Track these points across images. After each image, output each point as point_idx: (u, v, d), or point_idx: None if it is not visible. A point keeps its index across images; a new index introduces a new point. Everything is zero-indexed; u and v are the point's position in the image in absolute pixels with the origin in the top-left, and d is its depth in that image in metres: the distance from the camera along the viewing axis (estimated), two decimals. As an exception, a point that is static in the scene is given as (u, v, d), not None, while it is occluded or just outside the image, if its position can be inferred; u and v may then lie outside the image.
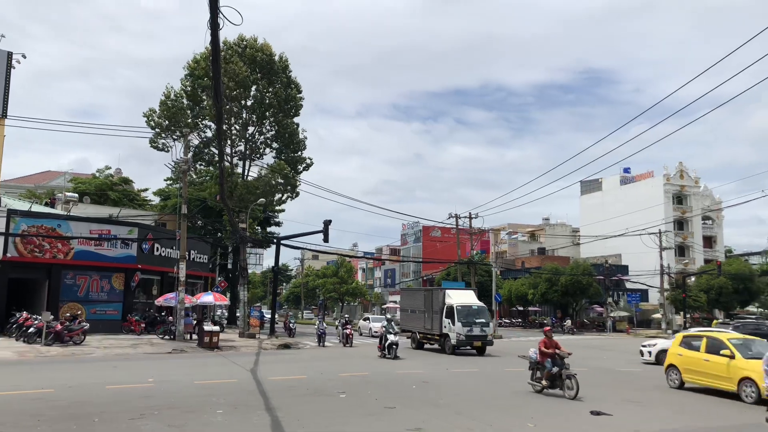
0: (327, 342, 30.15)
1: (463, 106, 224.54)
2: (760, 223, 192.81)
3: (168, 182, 50.06)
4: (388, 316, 33.15)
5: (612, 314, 56.94)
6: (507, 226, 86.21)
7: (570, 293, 55.96)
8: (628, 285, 61.20)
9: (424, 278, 79.55)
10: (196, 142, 42.58)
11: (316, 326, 32.39)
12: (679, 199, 73.08)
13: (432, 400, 12.50)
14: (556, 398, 13.22)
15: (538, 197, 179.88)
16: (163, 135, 41.05)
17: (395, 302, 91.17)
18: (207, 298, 32.48)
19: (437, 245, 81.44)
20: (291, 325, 36.89)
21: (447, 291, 26.77)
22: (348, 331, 29.80)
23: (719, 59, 14.50)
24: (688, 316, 55.10)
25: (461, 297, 26.51)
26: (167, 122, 40.78)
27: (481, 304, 26.74)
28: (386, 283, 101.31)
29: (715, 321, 60.73)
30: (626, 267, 63.07)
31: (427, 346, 28.08)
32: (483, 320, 25.46)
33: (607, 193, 79.03)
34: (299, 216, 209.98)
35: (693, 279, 59.43)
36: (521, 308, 67.14)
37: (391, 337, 22.89)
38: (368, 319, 41.80)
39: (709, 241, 75.07)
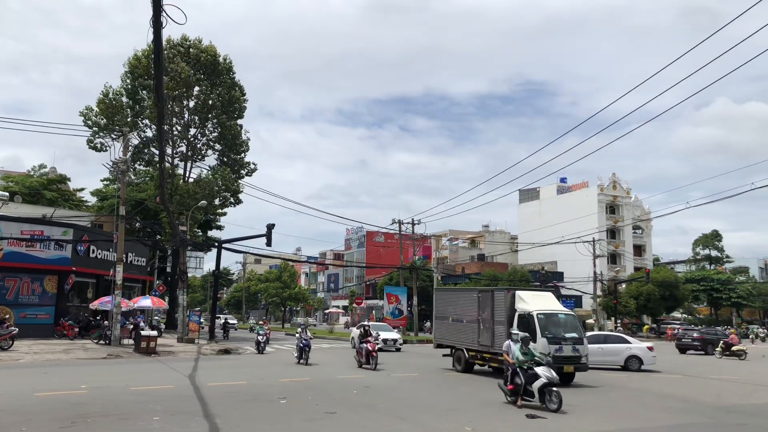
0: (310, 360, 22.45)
1: (407, 113, 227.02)
2: (683, 233, 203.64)
3: (105, 182, 48.64)
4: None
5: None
6: (448, 233, 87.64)
7: (508, 299, 57.36)
8: (563, 291, 63.27)
9: (367, 283, 79.88)
10: (135, 141, 41.58)
11: (297, 336, 23.59)
12: (612, 208, 76.20)
13: (373, 405, 12.63)
14: (497, 402, 13.57)
15: (479, 205, 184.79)
16: (101, 134, 39.91)
17: (337, 307, 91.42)
18: (145, 302, 31.76)
19: (381, 250, 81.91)
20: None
21: (518, 293, 19.00)
22: (370, 346, 21.19)
23: (647, 78, 15.40)
24: (618, 321, 57.48)
25: (540, 301, 18.85)
26: (105, 121, 39.69)
27: (569, 311, 19.56)
28: (329, 287, 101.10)
29: (646, 326, 63.67)
30: (562, 274, 65.18)
31: (478, 366, 20.40)
32: (575, 335, 17.83)
33: (544, 201, 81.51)
34: (242, 219, 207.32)
35: (623, 286, 62.05)
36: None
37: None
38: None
39: (638, 250, 78.57)
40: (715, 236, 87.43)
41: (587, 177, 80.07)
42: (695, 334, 36.91)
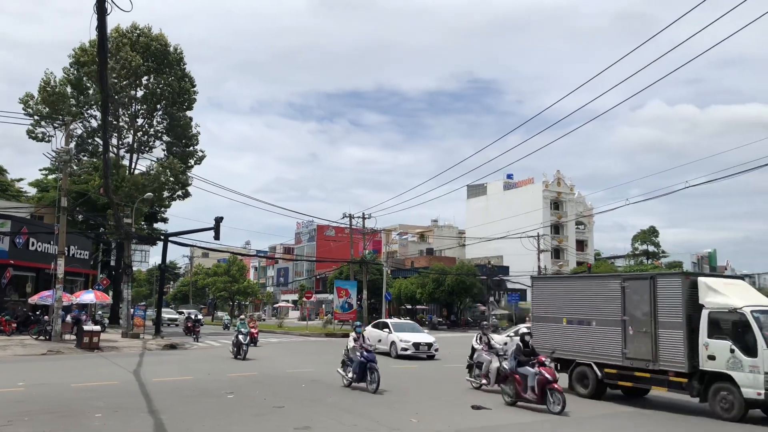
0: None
1: (358, 108, 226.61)
2: (622, 229, 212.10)
3: (45, 173, 46.99)
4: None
5: (493, 313, 60.05)
6: (398, 227, 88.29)
7: (455, 292, 58.37)
8: (509, 285, 64.76)
9: (318, 277, 79.74)
10: (80, 131, 40.34)
11: (236, 331, 22.59)
12: (556, 204, 78.35)
13: (321, 399, 12.76)
14: (448, 395, 13.90)
15: (428, 200, 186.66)
16: (42, 123, 38.52)
17: (287, 301, 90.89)
18: (87, 296, 30.97)
19: (331, 244, 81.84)
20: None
21: (704, 281, 12.57)
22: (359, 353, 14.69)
23: (587, 80, 16.03)
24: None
25: (741, 292, 12.57)
26: (48, 109, 38.32)
27: None
28: (279, 281, 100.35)
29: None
30: (507, 268, 66.65)
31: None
32: None
33: (491, 197, 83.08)
34: (189, 212, 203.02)
35: (567, 280, 63.80)
36: (410, 306, 69.07)
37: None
38: (386, 326, 25.15)
39: (581, 245, 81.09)
40: (652, 232, 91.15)
41: (533, 174, 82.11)
42: None
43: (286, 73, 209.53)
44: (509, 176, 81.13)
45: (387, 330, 24.72)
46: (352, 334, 15.47)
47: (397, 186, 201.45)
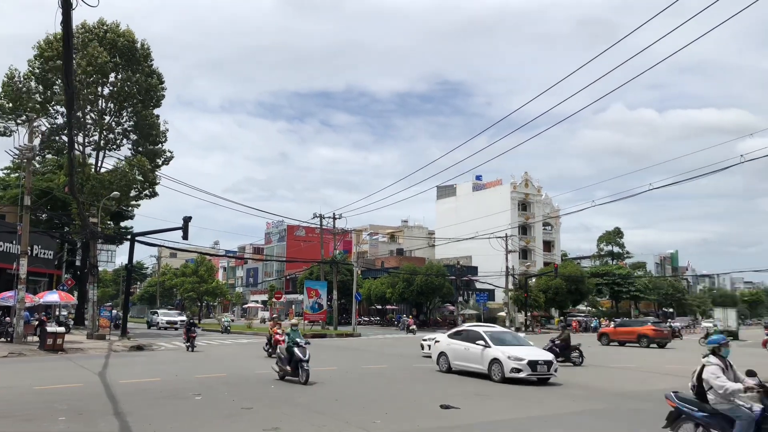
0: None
1: (328, 108, 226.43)
2: (587, 230, 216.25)
3: (6, 171, 45.87)
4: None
5: (462, 312, 60.60)
6: (368, 227, 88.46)
7: (425, 292, 58.75)
8: (478, 285, 65.41)
9: (288, 277, 79.37)
10: (44, 128, 39.43)
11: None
12: (524, 205, 79.45)
13: (291, 399, 12.72)
14: (415, 394, 13.94)
15: (398, 200, 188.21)
16: (5, 119, 37.62)
17: (256, 302, 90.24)
18: (51, 297, 30.34)
19: (301, 244, 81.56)
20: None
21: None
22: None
23: (553, 84, 16.36)
24: (528, 314, 60.09)
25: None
26: (11, 105, 37.45)
27: None
28: (248, 282, 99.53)
29: (557, 319, 66.82)
30: (476, 268, 67.31)
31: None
32: None
33: (460, 198, 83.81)
34: (157, 212, 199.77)
35: (534, 280, 64.89)
36: (380, 307, 69.31)
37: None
38: (478, 337, 17.85)
39: (548, 246, 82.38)
40: (617, 233, 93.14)
41: (501, 175, 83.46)
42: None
43: (255, 71, 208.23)
44: (478, 177, 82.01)
45: (481, 342, 17.31)
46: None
47: (367, 186, 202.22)
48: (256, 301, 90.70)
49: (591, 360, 23.20)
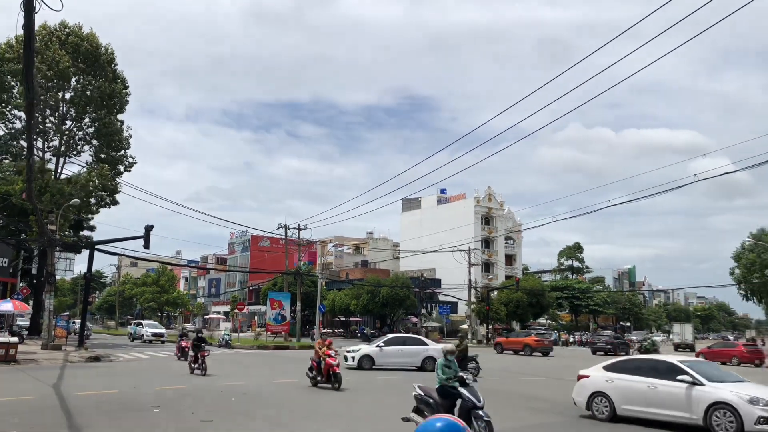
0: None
1: (295, 119, 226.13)
2: (547, 244, 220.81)
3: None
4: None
5: (425, 324, 60.93)
6: (333, 239, 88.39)
7: (389, 304, 58.94)
8: (441, 297, 65.90)
9: (251, 288, 78.60)
10: (1, 132, 38.56)
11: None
12: (487, 219, 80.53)
13: (251, 413, 12.64)
14: (376, 407, 14.01)
15: (363, 212, 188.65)
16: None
17: (218, 312, 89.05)
18: (5, 306, 29.48)
19: (265, 255, 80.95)
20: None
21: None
22: None
23: (515, 102, 16.84)
24: (490, 327, 60.79)
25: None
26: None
27: None
28: (210, 292, 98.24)
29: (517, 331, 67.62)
30: (440, 280, 67.82)
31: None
32: None
33: (425, 211, 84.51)
34: (118, 220, 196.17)
35: (495, 293, 65.70)
36: (344, 318, 69.18)
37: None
38: (671, 369, 12.19)
39: (510, 259, 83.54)
40: (577, 248, 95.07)
41: (465, 189, 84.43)
42: (605, 339, 45.63)
43: (221, 80, 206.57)
44: (443, 191, 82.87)
45: (685, 378, 11.71)
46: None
47: (333, 198, 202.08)
48: (218, 312, 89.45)
49: (493, 371, 23.45)
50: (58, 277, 40.98)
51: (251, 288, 78.67)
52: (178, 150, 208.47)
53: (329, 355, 16.98)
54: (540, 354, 39.28)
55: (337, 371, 16.54)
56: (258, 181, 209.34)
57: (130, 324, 53.75)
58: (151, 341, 44.54)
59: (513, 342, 42.25)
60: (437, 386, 10.75)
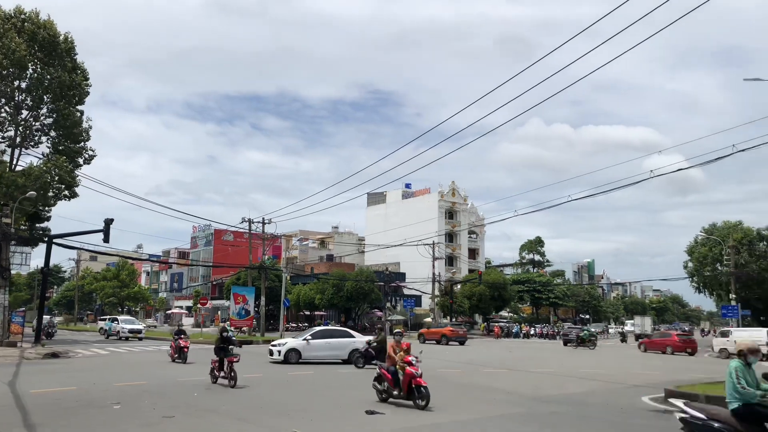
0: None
1: (259, 112, 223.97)
2: (509, 239, 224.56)
3: None
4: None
5: (390, 318, 61.31)
6: (298, 233, 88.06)
7: (354, 298, 59.11)
8: (405, 291, 66.36)
9: (214, 283, 77.81)
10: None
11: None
12: (451, 214, 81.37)
13: (214, 407, 12.56)
14: (343, 400, 14.03)
15: (329, 206, 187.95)
16: None
17: (181, 307, 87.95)
18: (-44, 302, 28.68)
19: (229, 249, 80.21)
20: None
21: None
22: None
23: (479, 97, 17.10)
24: (454, 320, 61.52)
25: None
26: None
27: None
28: (172, 287, 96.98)
29: (482, 325, 68.68)
30: (404, 274, 68.28)
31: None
32: None
33: (390, 205, 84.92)
34: (77, 213, 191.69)
35: (459, 287, 66.50)
36: (308, 313, 69.09)
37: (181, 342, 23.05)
38: None
39: (473, 253, 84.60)
40: (538, 242, 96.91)
41: (430, 184, 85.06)
42: (576, 331, 48.68)
43: (184, 72, 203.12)
44: (407, 185, 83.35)
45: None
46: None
47: (298, 192, 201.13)
48: (181, 307, 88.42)
49: (458, 363, 23.89)
50: (13, 272, 39.89)
51: (214, 282, 77.90)
52: (139, 142, 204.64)
53: (410, 363, 13.18)
54: (456, 343, 43.38)
55: (423, 384, 12.85)
56: (222, 174, 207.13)
57: (104, 320, 51.73)
58: (127, 338, 42.35)
59: (433, 333, 46.54)
60: (737, 405, 7.35)
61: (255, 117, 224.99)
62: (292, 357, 23.67)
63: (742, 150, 18.22)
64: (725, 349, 36.61)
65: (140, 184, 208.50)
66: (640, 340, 46.55)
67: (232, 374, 15.90)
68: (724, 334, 39.60)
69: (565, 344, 47.03)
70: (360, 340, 24.74)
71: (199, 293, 76.64)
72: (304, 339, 24.54)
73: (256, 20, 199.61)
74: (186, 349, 22.92)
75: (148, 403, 12.91)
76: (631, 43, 14.59)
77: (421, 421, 11.53)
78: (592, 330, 50.38)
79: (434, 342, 44.14)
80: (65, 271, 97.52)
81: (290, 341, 24.84)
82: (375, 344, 22.31)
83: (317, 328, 28.00)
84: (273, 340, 41.29)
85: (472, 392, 16.26)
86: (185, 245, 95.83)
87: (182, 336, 23.94)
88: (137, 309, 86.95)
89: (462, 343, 43.54)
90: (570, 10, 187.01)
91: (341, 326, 61.52)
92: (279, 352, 23.79)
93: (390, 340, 14.55)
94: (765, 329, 37.84)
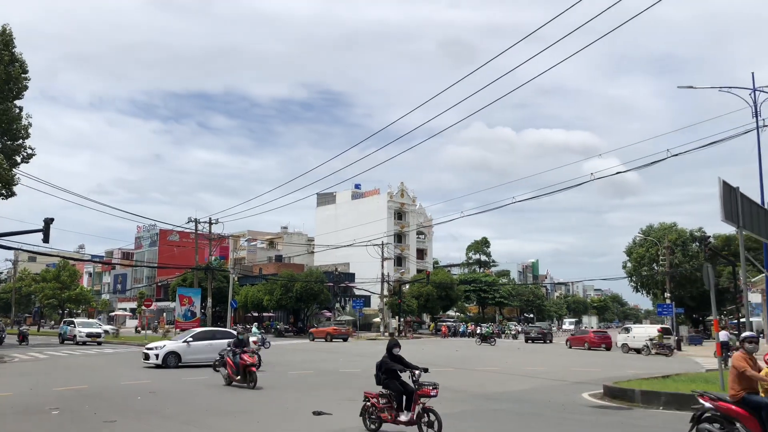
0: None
1: (206, 110, 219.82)
2: (455, 239, 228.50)
3: None
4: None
5: (339, 319, 61.41)
6: (247, 233, 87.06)
7: (303, 299, 58.94)
8: (355, 291, 66.61)
9: (159, 284, 76.18)
10: None
11: None
12: (400, 215, 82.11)
13: (158, 411, 12.42)
14: (289, 401, 13.97)
15: (278, 207, 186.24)
16: None
17: (124, 309, 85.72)
18: None
19: (175, 250, 78.65)
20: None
21: None
22: None
23: (426, 100, 17.51)
24: (402, 319, 62.11)
25: None
26: None
27: None
28: (116, 289, 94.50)
29: (431, 325, 69.49)
30: (353, 275, 68.49)
31: None
32: None
33: (340, 206, 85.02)
34: (15, 212, 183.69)
35: (407, 287, 67.17)
36: (256, 314, 68.45)
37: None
38: None
39: (421, 253, 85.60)
40: (484, 243, 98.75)
41: (379, 185, 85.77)
42: (537, 329, 55.01)
43: (128, 68, 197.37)
44: (357, 186, 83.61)
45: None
46: None
47: (246, 192, 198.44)
48: (124, 309, 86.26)
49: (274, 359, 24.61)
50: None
51: (159, 284, 76.24)
52: (81, 139, 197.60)
53: None
54: (340, 340, 47.98)
55: (253, 370, 13.33)
56: (167, 173, 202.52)
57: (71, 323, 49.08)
58: (85, 342, 39.58)
59: (319, 331, 50.68)
60: None
61: (202, 115, 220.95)
62: (171, 361, 22.20)
63: (676, 154, 19.27)
64: (626, 344, 39.39)
65: (82, 183, 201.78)
66: (567, 337, 48.87)
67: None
68: (627, 330, 43.07)
69: (527, 341, 51.78)
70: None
71: (143, 295, 74.87)
72: (185, 341, 23.07)
73: (199, 18, 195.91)
74: (254, 368, 16.57)
75: (89, 408, 12.65)
76: (573, 49, 15.22)
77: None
78: (490, 329, 53.95)
79: (322, 339, 48.56)
80: (1, 273, 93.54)
81: (169, 344, 23.43)
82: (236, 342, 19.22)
83: (197, 330, 26.24)
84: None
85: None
86: (129, 246, 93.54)
87: (245, 348, 17.32)
88: (78, 311, 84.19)
89: (345, 340, 48.20)
90: (511, 16, 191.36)
91: (291, 328, 61.46)
92: (156, 355, 22.12)
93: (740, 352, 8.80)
94: (657, 326, 42.55)
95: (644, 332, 39.24)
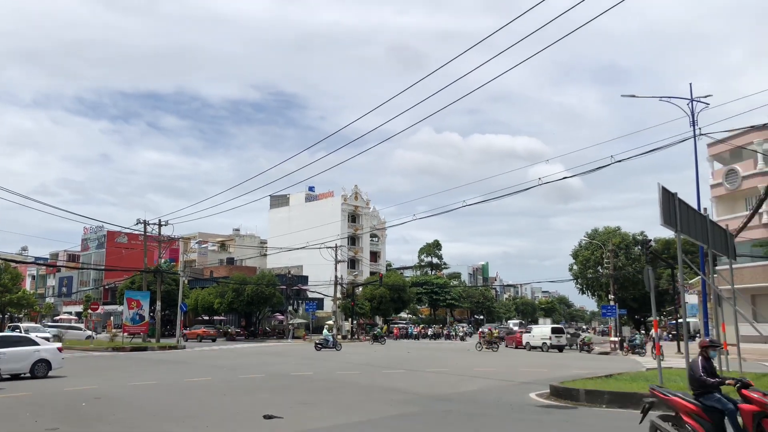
0: None
1: (156, 110, 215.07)
2: (406, 242, 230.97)
3: None
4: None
5: (292, 322, 61.08)
6: (198, 235, 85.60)
7: (255, 302, 58.37)
8: (308, 294, 66.38)
9: (106, 287, 74.20)
10: None
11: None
12: (353, 217, 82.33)
13: (103, 417, 12.17)
14: (240, 405, 13.92)
15: (230, 209, 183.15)
16: None
17: (70, 313, 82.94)
18: None
19: (123, 252, 76.74)
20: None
21: None
22: None
23: (377, 106, 17.71)
24: (355, 322, 62.26)
25: None
26: None
27: None
28: (61, 292, 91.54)
29: (384, 327, 69.73)
30: (306, 277, 68.23)
31: None
32: None
33: (293, 208, 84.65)
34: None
35: (360, 289, 67.35)
36: (207, 317, 67.38)
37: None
38: None
39: (374, 256, 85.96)
40: (436, 245, 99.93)
41: (333, 187, 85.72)
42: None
43: (75, 66, 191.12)
44: (311, 188, 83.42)
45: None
46: None
47: (197, 193, 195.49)
48: (70, 313, 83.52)
49: (358, 365, 24.54)
50: None
51: (107, 287, 74.24)
52: (24, 138, 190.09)
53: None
54: (209, 341, 53.96)
55: None
56: (115, 173, 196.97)
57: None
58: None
59: (192, 333, 55.54)
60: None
61: (152, 115, 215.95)
62: None
63: (620, 161, 20.10)
64: (529, 342, 43.17)
65: (25, 183, 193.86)
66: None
67: None
68: (528, 330, 47.05)
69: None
70: (46, 349, 21.00)
71: (90, 298, 72.84)
72: None
73: (147, 17, 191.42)
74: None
75: (30, 415, 12.30)
76: (521, 57, 15.68)
77: (318, 424, 11.65)
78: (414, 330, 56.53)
79: (194, 339, 53.47)
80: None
81: None
82: None
83: None
84: (169, 346, 40.22)
85: (371, 393, 16.59)
86: (75, 247, 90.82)
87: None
88: (21, 315, 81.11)
89: (213, 341, 53.49)
90: (460, 23, 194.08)
91: (242, 331, 60.75)
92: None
93: None
94: (550, 326, 47.98)
95: (540, 332, 44.07)
